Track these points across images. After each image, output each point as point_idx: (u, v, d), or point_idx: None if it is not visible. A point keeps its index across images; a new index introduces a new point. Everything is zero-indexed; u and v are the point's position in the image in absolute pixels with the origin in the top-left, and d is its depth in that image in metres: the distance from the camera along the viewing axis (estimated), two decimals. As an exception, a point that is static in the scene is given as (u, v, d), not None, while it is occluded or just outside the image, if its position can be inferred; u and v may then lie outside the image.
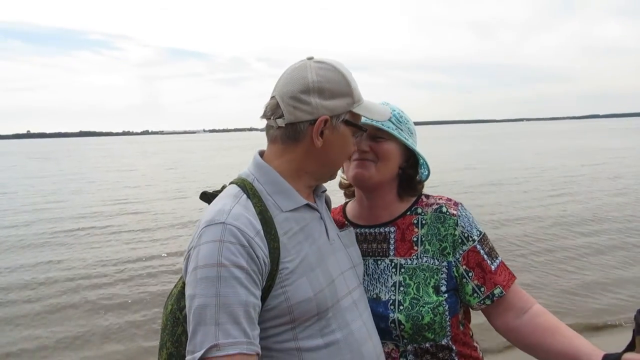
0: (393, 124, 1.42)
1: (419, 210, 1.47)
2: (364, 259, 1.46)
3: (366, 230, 1.49)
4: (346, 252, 1.32)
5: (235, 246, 1.04)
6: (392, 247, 1.44)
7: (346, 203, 1.66)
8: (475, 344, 1.48)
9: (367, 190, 1.49)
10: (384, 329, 1.34)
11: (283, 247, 1.12)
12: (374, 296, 1.39)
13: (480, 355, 1.49)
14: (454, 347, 1.39)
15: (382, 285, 1.40)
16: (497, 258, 1.43)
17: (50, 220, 11.82)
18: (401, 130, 1.43)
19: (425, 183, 1.57)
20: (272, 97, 1.21)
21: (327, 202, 1.45)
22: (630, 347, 1.11)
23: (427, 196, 1.53)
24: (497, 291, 1.38)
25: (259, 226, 1.10)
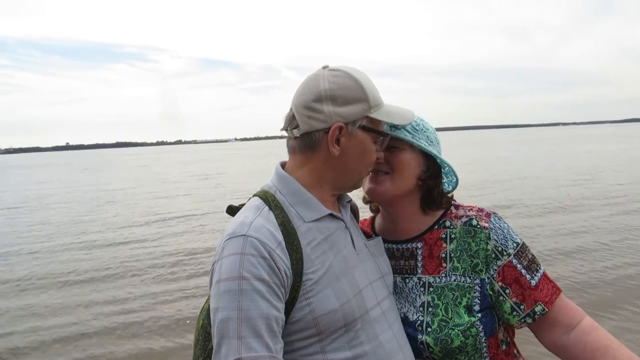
0: (408, 132, 1.35)
1: (448, 224, 1.38)
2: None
3: (393, 246, 1.43)
4: (375, 262, 1.29)
5: (256, 258, 1.03)
6: (419, 265, 1.37)
7: (374, 216, 1.59)
8: None
9: (384, 205, 1.44)
10: (414, 348, 1.28)
11: (306, 258, 1.11)
12: (402, 315, 1.33)
13: None
14: None
15: (410, 305, 1.34)
16: (537, 271, 1.32)
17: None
18: (418, 139, 1.36)
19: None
20: (290, 109, 1.22)
21: (355, 212, 1.42)
22: None
23: (457, 207, 1.43)
24: (538, 308, 1.28)
25: (280, 237, 1.09)
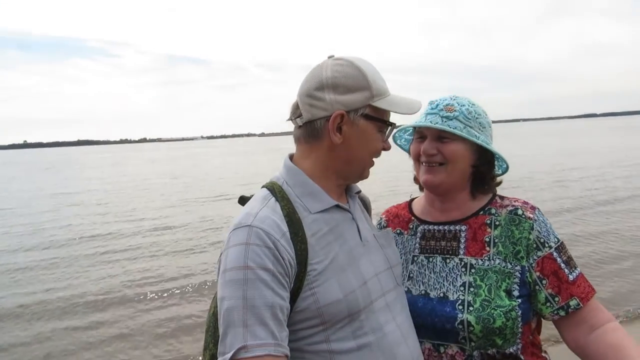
0: (460, 121, 1.37)
1: (493, 211, 1.42)
2: (431, 257, 1.44)
3: (435, 227, 1.46)
4: (383, 253, 1.31)
5: (261, 248, 1.05)
6: (462, 246, 1.40)
7: (412, 200, 1.63)
8: (545, 355, 1.41)
9: (440, 195, 1.46)
10: (450, 330, 1.30)
11: (311, 249, 1.13)
12: (441, 295, 1.36)
13: None
14: (522, 357, 1.32)
15: (450, 284, 1.36)
16: (576, 269, 1.35)
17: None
18: (471, 127, 1.38)
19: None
20: (296, 99, 1.23)
21: (366, 204, 1.46)
22: None
23: (502, 197, 1.47)
24: (573, 302, 1.31)
25: (285, 228, 1.11)
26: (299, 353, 1.12)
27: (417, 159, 1.46)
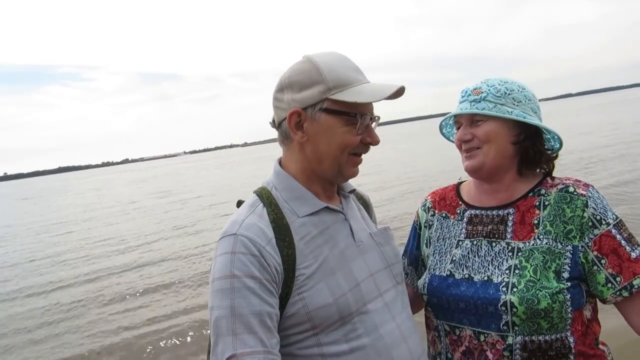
0: (490, 101, 1.33)
1: (543, 192, 1.36)
2: (476, 241, 1.39)
3: (482, 212, 1.43)
4: (380, 252, 1.28)
5: (246, 256, 1.06)
6: (509, 230, 1.35)
7: (460, 183, 1.59)
8: (602, 348, 1.32)
9: (486, 179, 1.41)
10: (492, 313, 1.26)
11: (299, 253, 1.13)
12: (485, 278, 1.31)
13: (610, 358, 1.32)
14: (573, 346, 1.23)
15: (495, 268, 1.32)
16: (638, 246, 1.26)
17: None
18: (502, 104, 1.32)
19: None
20: None
21: (366, 202, 1.43)
22: None
23: (553, 178, 1.40)
24: (637, 281, 1.22)
25: (271, 234, 1.11)
26: (290, 357, 1.13)
27: (459, 148, 1.44)
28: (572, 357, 1.24)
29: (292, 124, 1.17)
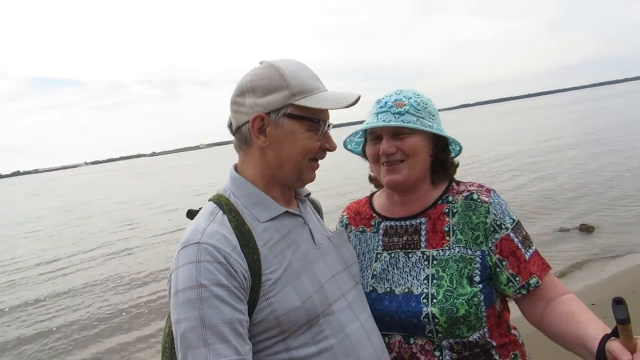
0: (412, 114, 1.36)
1: (450, 199, 1.42)
2: (394, 253, 1.42)
3: (397, 223, 1.46)
4: (338, 254, 1.31)
5: (212, 264, 1.03)
6: (423, 239, 1.40)
7: (372, 194, 1.61)
8: (514, 332, 1.43)
9: (405, 191, 1.44)
10: (417, 324, 1.30)
11: (264, 258, 1.12)
12: (406, 290, 1.35)
13: (520, 341, 1.43)
14: (490, 340, 1.33)
15: (413, 279, 1.36)
16: (531, 247, 1.38)
17: None
18: (422, 118, 1.37)
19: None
20: None
21: (317, 207, 1.46)
22: (615, 334, 1.09)
23: (458, 183, 1.48)
24: (533, 281, 1.34)
25: (235, 241, 1.09)
26: None
27: (376, 161, 1.43)
28: (492, 349, 1.33)
29: (254, 128, 1.16)
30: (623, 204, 8.90)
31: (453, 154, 1.51)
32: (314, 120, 1.20)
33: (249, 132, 1.17)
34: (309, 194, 1.37)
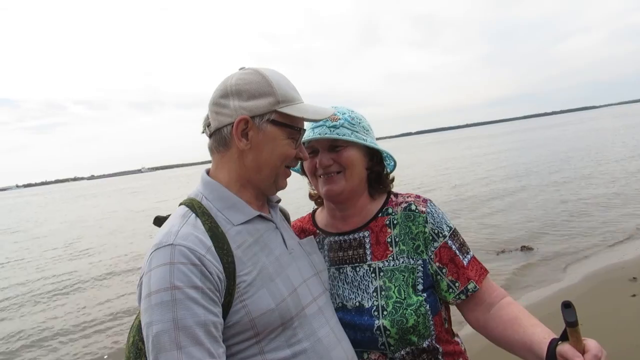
0: (347, 128, 1.40)
1: (390, 210, 1.45)
2: (341, 267, 1.44)
3: (340, 237, 1.47)
4: (309, 260, 1.32)
5: (186, 266, 1.02)
6: (368, 252, 1.42)
7: (314, 211, 1.63)
8: (457, 339, 1.47)
9: (342, 202, 1.47)
10: (369, 338, 1.31)
11: (238, 261, 1.11)
12: (357, 304, 1.37)
13: (463, 348, 1.47)
14: (439, 347, 1.36)
15: (363, 293, 1.37)
16: (468, 253, 1.42)
17: None
18: (357, 132, 1.41)
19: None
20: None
21: (285, 215, 1.46)
22: (564, 337, 1.11)
23: (396, 195, 1.51)
24: (470, 286, 1.37)
25: (209, 243, 1.08)
26: None
27: (313, 174, 1.47)
28: (440, 355, 1.38)
29: (238, 131, 1.17)
30: (556, 224, 9.33)
31: (388, 169, 1.56)
32: (295, 128, 1.24)
33: (230, 134, 1.19)
34: (279, 200, 1.38)
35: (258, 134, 1.19)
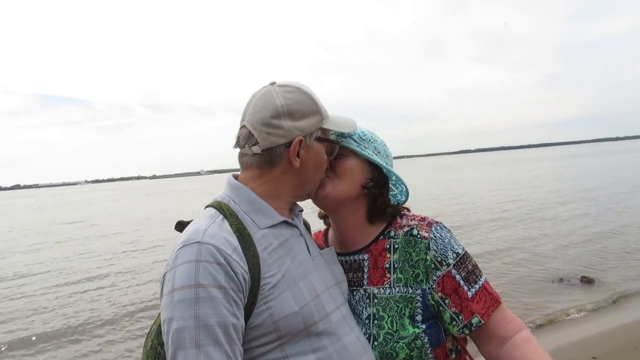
0: (355, 140, 1.38)
1: (392, 233, 1.38)
2: None
3: (342, 258, 1.43)
4: (329, 270, 1.31)
5: (212, 265, 1.03)
6: (365, 276, 1.37)
7: (327, 229, 1.59)
8: None
9: (328, 210, 1.44)
10: None
11: (263, 263, 1.12)
12: None
13: None
14: None
15: (357, 318, 1.33)
16: (476, 283, 1.31)
17: None
18: (365, 147, 1.38)
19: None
20: (243, 127, 1.22)
21: (306, 225, 1.43)
22: None
23: (402, 216, 1.43)
24: (475, 320, 1.28)
25: (236, 243, 1.09)
26: None
27: None
28: None
29: (295, 152, 1.19)
30: (622, 257, 8.90)
31: (402, 197, 1.51)
32: (334, 142, 1.29)
33: (282, 153, 1.20)
34: (302, 210, 1.37)
35: (308, 152, 1.22)
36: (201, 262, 1.03)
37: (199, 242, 1.06)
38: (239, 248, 1.09)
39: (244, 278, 1.06)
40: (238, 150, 1.26)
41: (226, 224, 1.13)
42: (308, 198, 1.34)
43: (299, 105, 1.20)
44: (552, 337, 5.46)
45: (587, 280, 7.50)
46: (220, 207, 1.18)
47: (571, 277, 7.78)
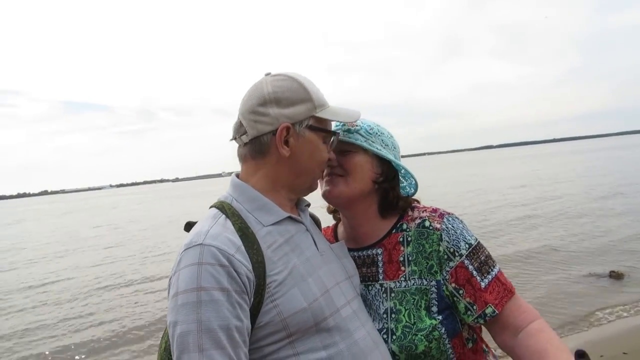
0: (362, 135, 1.37)
1: (404, 226, 1.39)
2: None
3: (354, 253, 1.42)
4: (340, 264, 1.30)
5: (214, 267, 1.02)
6: (380, 271, 1.37)
7: (336, 224, 1.59)
8: (491, 358, 1.41)
9: (341, 208, 1.44)
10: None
11: (268, 261, 1.11)
12: None
13: None
14: None
15: (375, 313, 1.33)
16: (489, 273, 1.32)
17: None
18: (372, 142, 1.37)
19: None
20: (237, 118, 1.23)
21: (315, 220, 1.43)
22: None
23: (414, 208, 1.43)
24: (488, 310, 1.28)
25: (239, 242, 1.08)
26: None
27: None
28: None
29: (281, 139, 1.17)
30: None
31: (411, 190, 1.51)
32: (331, 132, 1.27)
33: (269, 141, 1.19)
34: (309, 204, 1.37)
35: (298, 141, 1.20)
36: (203, 265, 1.03)
37: (201, 244, 1.06)
38: (242, 247, 1.09)
39: (247, 278, 1.06)
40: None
41: (229, 224, 1.13)
42: (310, 192, 1.32)
43: (288, 93, 1.19)
44: (582, 333, 5.44)
45: (616, 275, 7.34)
46: (222, 207, 1.19)
47: (600, 272, 7.66)
